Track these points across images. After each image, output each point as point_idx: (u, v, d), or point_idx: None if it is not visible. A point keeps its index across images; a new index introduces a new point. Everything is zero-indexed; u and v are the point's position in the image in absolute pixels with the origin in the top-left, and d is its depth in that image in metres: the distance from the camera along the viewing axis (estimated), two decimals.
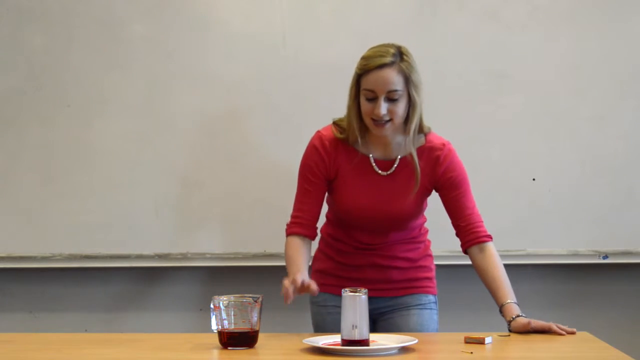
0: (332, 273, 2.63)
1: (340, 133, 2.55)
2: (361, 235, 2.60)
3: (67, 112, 3.31)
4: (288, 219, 2.59)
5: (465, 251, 2.56)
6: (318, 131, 2.60)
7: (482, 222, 2.55)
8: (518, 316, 2.37)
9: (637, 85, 3.23)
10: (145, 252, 3.29)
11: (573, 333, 2.31)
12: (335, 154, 2.55)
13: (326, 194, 2.61)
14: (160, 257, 3.29)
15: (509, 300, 2.42)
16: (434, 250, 2.78)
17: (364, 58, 2.48)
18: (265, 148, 3.26)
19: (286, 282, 2.30)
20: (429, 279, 2.68)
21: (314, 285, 2.31)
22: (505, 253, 3.19)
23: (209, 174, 3.28)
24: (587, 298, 3.34)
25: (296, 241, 2.54)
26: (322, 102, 3.18)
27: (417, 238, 2.66)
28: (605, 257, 3.24)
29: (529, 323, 2.33)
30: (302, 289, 2.30)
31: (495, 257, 2.52)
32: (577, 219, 3.23)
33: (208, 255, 3.29)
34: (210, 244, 3.28)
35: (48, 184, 3.30)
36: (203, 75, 3.28)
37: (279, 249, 3.19)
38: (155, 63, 3.28)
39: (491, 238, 2.54)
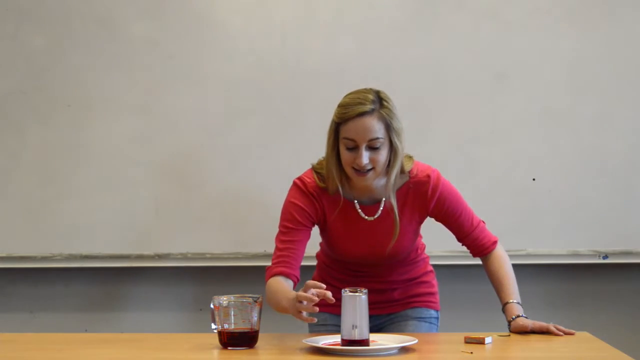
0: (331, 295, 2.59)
1: (322, 182, 2.47)
2: (356, 266, 2.58)
3: (67, 112, 3.31)
4: None
5: (474, 256, 2.58)
6: (299, 178, 2.51)
7: (485, 232, 2.54)
8: (518, 316, 2.37)
9: (637, 85, 3.23)
10: (145, 252, 3.29)
11: (571, 334, 2.31)
12: (321, 200, 2.48)
13: (309, 237, 2.52)
14: (160, 257, 3.29)
15: (511, 300, 2.41)
16: (433, 251, 2.78)
17: (341, 106, 2.39)
18: (265, 148, 3.26)
19: (299, 304, 2.13)
20: (431, 294, 2.65)
21: (328, 293, 2.14)
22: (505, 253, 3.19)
23: (209, 174, 3.28)
24: (587, 298, 3.35)
25: (279, 279, 2.39)
26: (322, 102, 3.17)
27: (415, 258, 2.63)
28: (605, 257, 3.24)
29: (526, 326, 2.33)
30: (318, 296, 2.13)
31: (501, 258, 2.52)
32: (577, 219, 3.23)
33: (208, 255, 3.29)
34: (210, 244, 3.28)
35: (48, 184, 3.30)
36: (203, 75, 3.28)
37: None
38: (155, 63, 3.29)
39: (496, 243, 2.55)
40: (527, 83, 3.24)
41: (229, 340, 2.16)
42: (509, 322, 2.38)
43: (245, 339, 2.16)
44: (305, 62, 3.25)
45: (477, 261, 3.16)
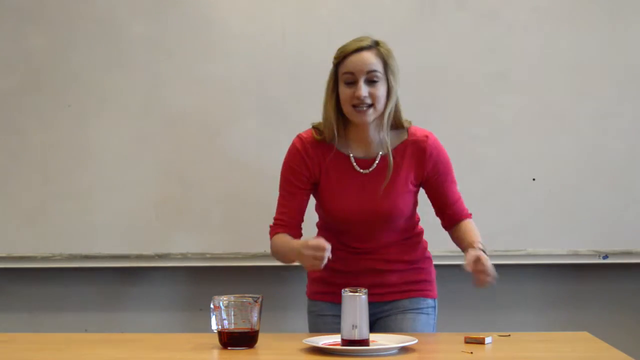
0: (328, 280, 2.57)
1: (319, 135, 2.52)
2: (352, 239, 2.56)
3: (67, 112, 3.31)
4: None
5: (446, 228, 2.60)
6: (298, 134, 2.57)
7: (464, 205, 2.58)
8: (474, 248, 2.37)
9: (637, 85, 3.23)
10: (145, 252, 3.29)
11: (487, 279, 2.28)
12: (316, 156, 2.52)
13: (309, 201, 2.57)
14: (160, 257, 3.29)
15: (472, 246, 2.42)
16: (433, 251, 2.77)
17: (340, 48, 2.50)
18: (266, 148, 3.26)
19: (307, 249, 2.26)
20: (428, 281, 2.63)
21: (323, 242, 2.25)
22: (505, 253, 3.19)
23: (209, 174, 3.28)
24: (587, 298, 3.34)
25: (282, 234, 2.52)
26: (322, 102, 3.17)
27: (412, 239, 2.61)
28: (605, 257, 3.24)
29: (475, 256, 2.29)
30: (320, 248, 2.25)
31: (470, 224, 2.55)
32: (577, 219, 3.23)
33: (208, 255, 3.29)
34: (210, 244, 3.28)
35: (48, 184, 3.30)
36: (203, 75, 3.28)
37: None
38: (155, 63, 3.29)
39: (471, 216, 2.58)
40: (527, 83, 3.24)
41: (229, 340, 2.16)
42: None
43: (245, 339, 2.16)
44: (305, 62, 3.25)
45: None
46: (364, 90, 2.41)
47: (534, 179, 3.25)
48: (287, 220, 2.53)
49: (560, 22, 3.24)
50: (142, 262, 3.30)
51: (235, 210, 3.27)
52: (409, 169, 2.51)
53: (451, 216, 2.57)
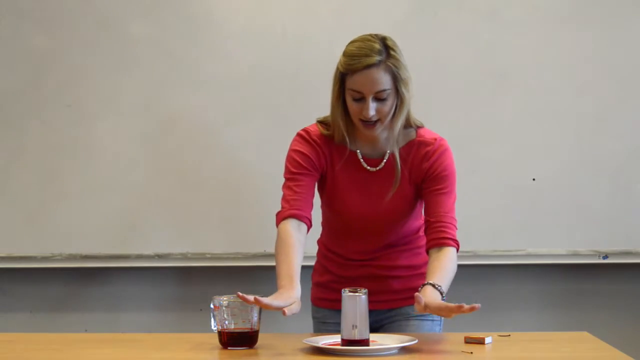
0: (331, 287, 2.55)
1: (326, 130, 2.45)
2: (356, 244, 2.51)
3: (67, 112, 3.31)
4: None
5: (427, 251, 2.39)
6: (303, 129, 2.48)
7: (455, 226, 2.39)
8: (431, 284, 2.22)
9: (637, 85, 3.23)
10: (145, 252, 3.29)
11: (474, 309, 2.15)
12: (324, 148, 2.45)
13: (316, 194, 2.51)
14: (160, 257, 3.29)
15: (430, 281, 2.24)
16: None
17: (347, 56, 2.36)
18: (265, 148, 3.26)
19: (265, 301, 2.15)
20: None
21: (289, 310, 2.17)
22: (505, 253, 3.19)
23: (209, 174, 3.28)
24: (587, 298, 3.34)
25: (291, 227, 2.36)
26: (323, 101, 3.15)
27: (415, 243, 2.55)
28: (605, 257, 3.24)
29: (424, 306, 2.15)
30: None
31: (449, 257, 2.34)
32: (577, 219, 3.23)
33: (208, 255, 3.29)
34: (210, 244, 3.28)
35: (48, 184, 3.30)
36: (203, 75, 3.28)
37: None
38: (155, 63, 3.29)
39: (457, 245, 2.37)
40: (527, 83, 3.24)
41: (229, 340, 2.16)
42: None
43: (245, 339, 2.16)
44: (305, 62, 3.25)
45: (477, 261, 3.17)
46: (371, 109, 2.32)
47: (534, 179, 3.25)
48: (298, 201, 2.39)
49: (560, 22, 3.24)
50: (142, 262, 3.30)
51: (235, 210, 3.27)
52: (412, 170, 2.44)
53: (433, 228, 2.36)
